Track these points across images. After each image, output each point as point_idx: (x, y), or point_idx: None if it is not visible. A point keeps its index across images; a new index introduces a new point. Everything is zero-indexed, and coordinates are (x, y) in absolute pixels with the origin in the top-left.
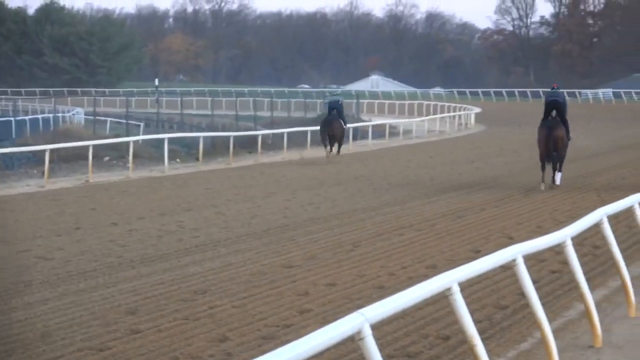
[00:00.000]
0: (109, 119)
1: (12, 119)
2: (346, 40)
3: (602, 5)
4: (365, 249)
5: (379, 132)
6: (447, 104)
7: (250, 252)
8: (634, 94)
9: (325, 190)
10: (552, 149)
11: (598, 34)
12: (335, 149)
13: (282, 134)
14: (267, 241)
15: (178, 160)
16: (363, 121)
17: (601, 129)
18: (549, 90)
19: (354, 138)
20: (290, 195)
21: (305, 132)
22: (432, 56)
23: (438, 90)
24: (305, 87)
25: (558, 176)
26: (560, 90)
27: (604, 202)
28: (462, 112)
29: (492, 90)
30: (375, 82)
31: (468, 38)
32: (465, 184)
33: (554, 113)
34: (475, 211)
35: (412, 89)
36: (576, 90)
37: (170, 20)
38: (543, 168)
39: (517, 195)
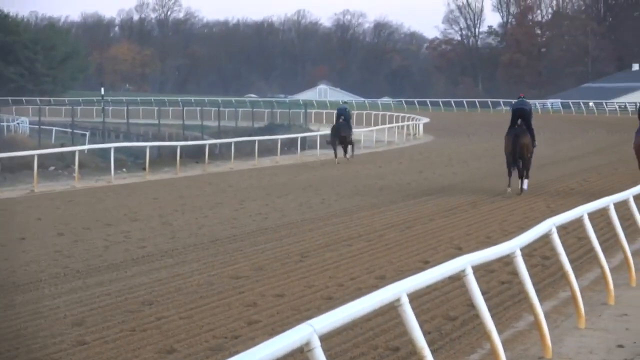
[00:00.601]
0: (54, 129)
1: None
2: (294, 49)
3: (549, 16)
4: (314, 259)
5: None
6: (395, 114)
7: (197, 262)
8: (582, 105)
9: (273, 201)
10: (518, 156)
11: (546, 44)
12: (347, 153)
13: (230, 143)
14: (214, 252)
15: (124, 170)
16: (311, 131)
17: (549, 140)
18: (516, 99)
19: (302, 148)
20: (237, 205)
21: (253, 142)
22: (380, 66)
23: (386, 100)
24: (253, 97)
25: (525, 183)
26: (528, 100)
27: (553, 213)
28: (410, 122)
29: (440, 100)
30: (323, 92)
31: (416, 48)
32: (413, 194)
33: (519, 121)
34: (424, 222)
35: (360, 98)
36: None
37: (116, 28)
38: (510, 174)
39: (466, 206)
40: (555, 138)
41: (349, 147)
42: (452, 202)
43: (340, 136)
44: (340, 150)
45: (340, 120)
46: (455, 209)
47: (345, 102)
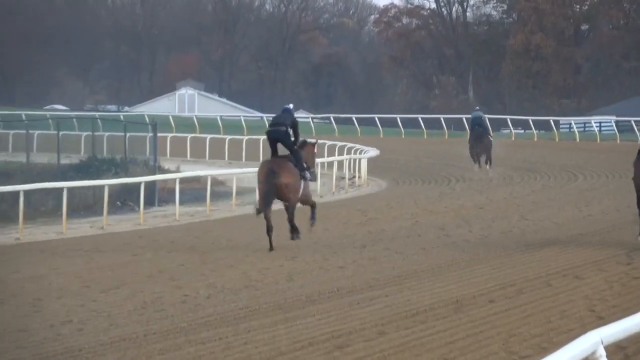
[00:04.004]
0: None
1: None
2: (133, 26)
3: None
4: None
5: (194, 192)
6: (318, 142)
7: None
8: None
9: (95, 298)
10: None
11: (588, 18)
12: (486, 166)
13: (16, 194)
14: None
15: None
16: (165, 171)
17: (597, 192)
18: None
19: (149, 203)
20: (29, 307)
21: (59, 191)
22: (290, 56)
23: (303, 116)
24: (60, 109)
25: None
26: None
27: (599, 321)
28: (345, 157)
29: (399, 117)
30: (188, 100)
31: (357, 24)
32: (349, 288)
33: None
34: (369, 337)
35: (254, 113)
36: (551, 118)
37: None
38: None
39: (443, 308)
40: (608, 186)
41: (488, 159)
42: (418, 300)
43: (486, 149)
44: (478, 163)
45: (477, 128)
46: (425, 314)
47: (479, 108)
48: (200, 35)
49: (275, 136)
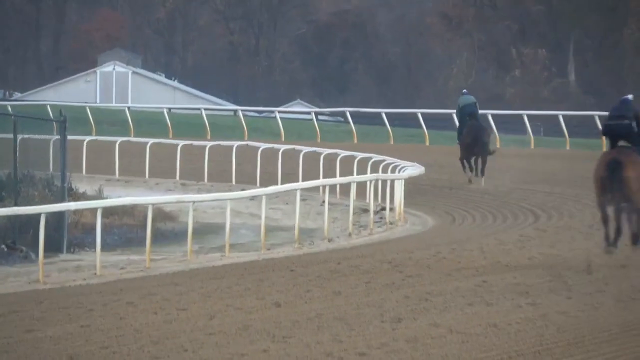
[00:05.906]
0: None
1: None
2: None
3: None
4: None
5: (125, 231)
6: (325, 152)
7: None
8: None
9: None
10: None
11: None
12: (481, 171)
13: None
14: None
15: None
16: (80, 197)
17: None
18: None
19: (53, 247)
20: None
21: None
22: (281, 15)
23: (302, 110)
24: None
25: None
26: None
27: None
28: (369, 177)
29: (453, 113)
30: (117, 83)
31: None
32: None
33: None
34: None
35: (223, 104)
36: None
37: None
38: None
39: None
40: None
41: (482, 161)
42: None
43: (484, 151)
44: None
45: (468, 121)
46: None
47: (467, 92)
48: None
49: (617, 131)
